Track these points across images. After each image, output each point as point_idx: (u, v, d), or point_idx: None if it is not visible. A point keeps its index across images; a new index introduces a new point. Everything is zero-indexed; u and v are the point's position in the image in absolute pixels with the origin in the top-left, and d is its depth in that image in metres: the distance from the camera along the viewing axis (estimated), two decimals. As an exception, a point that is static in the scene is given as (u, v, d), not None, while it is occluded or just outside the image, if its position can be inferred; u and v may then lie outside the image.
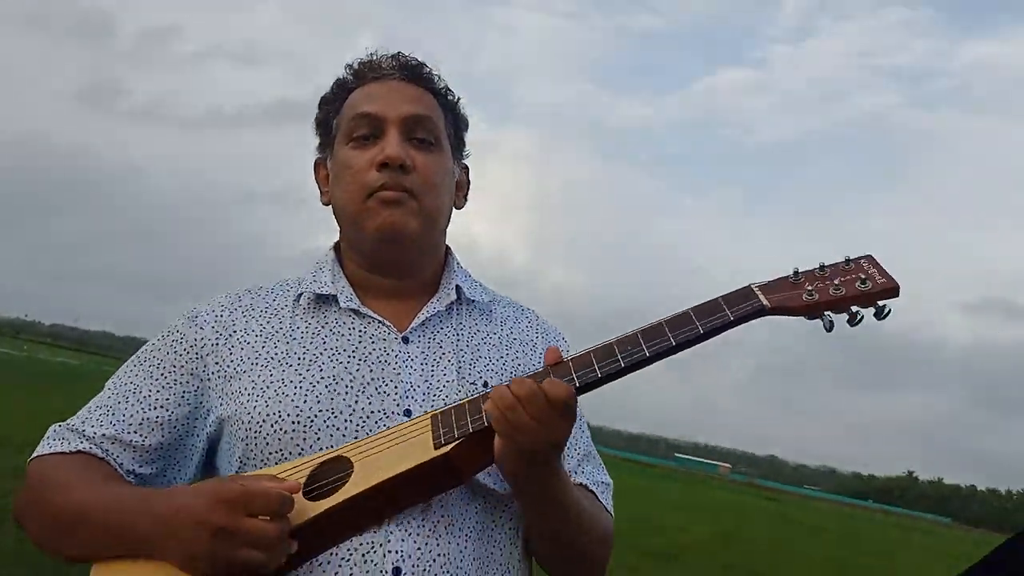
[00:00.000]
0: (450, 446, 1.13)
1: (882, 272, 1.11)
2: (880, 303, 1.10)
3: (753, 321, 1.13)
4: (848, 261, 1.14)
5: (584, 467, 1.38)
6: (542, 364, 1.27)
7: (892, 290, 1.10)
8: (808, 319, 1.12)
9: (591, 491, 1.36)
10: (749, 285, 1.14)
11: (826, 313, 1.11)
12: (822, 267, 1.14)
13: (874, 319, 1.10)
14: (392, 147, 1.28)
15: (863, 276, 1.11)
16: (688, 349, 1.13)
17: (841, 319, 1.11)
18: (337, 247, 1.42)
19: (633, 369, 1.13)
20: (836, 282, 1.11)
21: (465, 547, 1.20)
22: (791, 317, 1.12)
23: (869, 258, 1.14)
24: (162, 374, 1.28)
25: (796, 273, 1.14)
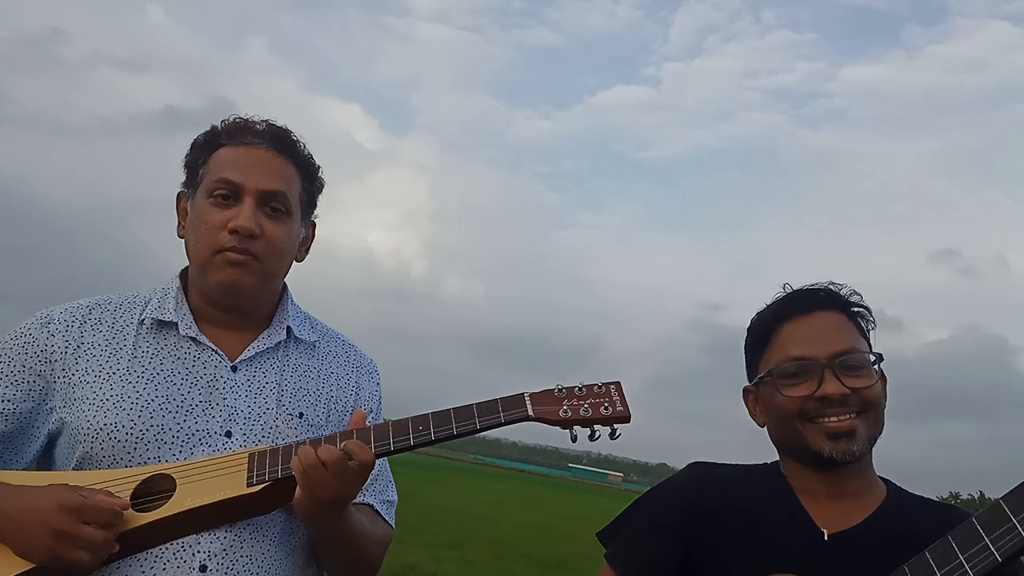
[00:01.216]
0: (260, 487, 1.37)
1: (623, 401, 1.38)
2: (615, 427, 1.38)
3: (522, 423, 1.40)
4: (600, 386, 1.39)
5: (374, 487, 1.60)
6: (352, 397, 1.60)
7: (625, 419, 1.37)
8: (562, 429, 1.37)
9: (376, 510, 1.58)
10: (522, 393, 1.39)
11: (575, 427, 1.37)
12: (580, 387, 1.39)
13: (608, 438, 1.37)
14: (244, 218, 1.47)
15: (607, 402, 1.37)
16: (465, 437, 1.38)
17: (584, 432, 1.37)
18: (183, 273, 1.59)
19: (420, 447, 1.37)
20: (586, 404, 1.37)
21: (269, 549, 1.44)
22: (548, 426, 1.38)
23: (617, 385, 1.40)
24: (11, 371, 1.45)
25: (560, 388, 1.39)
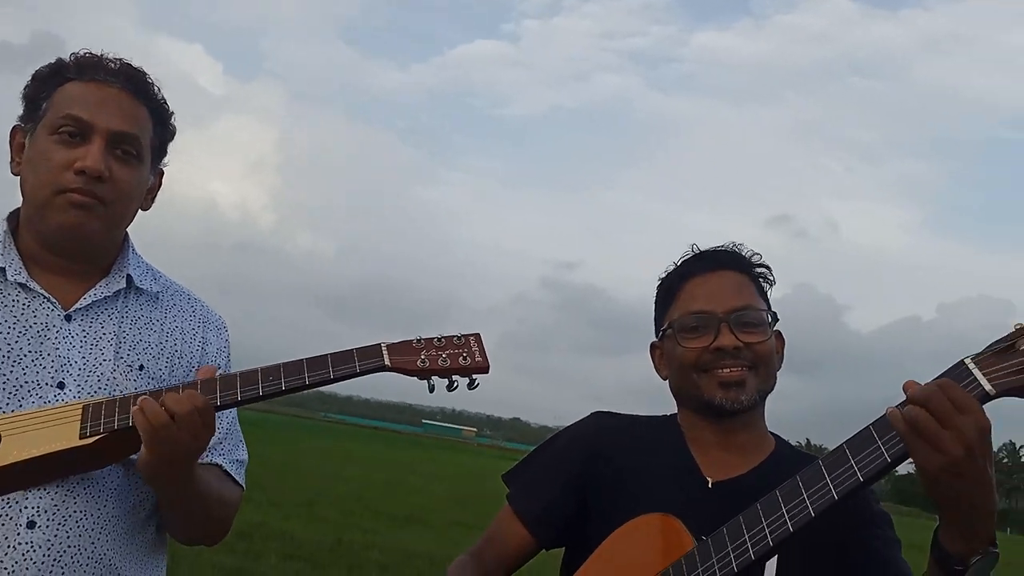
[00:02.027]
0: (94, 438, 1.29)
1: (482, 352, 1.40)
2: (473, 376, 1.40)
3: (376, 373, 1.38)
4: (459, 337, 1.40)
5: (222, 446, 1.55)
6: (199, 352, 1.54)
7: (484, 369, 1.39)
8: (419, 379, 1.38)
9: (225, 470, 1.54)
10: (379, 344, 1.37)
11: (433, 378, 1.38)
12: (439, 339, 1.39)
13: (467, 388, 1.40)
14: (93, 159, 1.38)
15: (466, 352, 1.39)
16: (319, 387, 1.37)
17: (443, 383, 1.39)
18: (13, 216, 1.48)
19: (269, 398, 1.34)
20: (445, 355, 1.38)
21: (104, 506, 1.37)
22: (406, 376, 1.38)
23: (477, 337, 1.41)
24: None
25: (419, 339, 1.39)
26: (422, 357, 1.37)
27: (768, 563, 1.36)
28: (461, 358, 1.38)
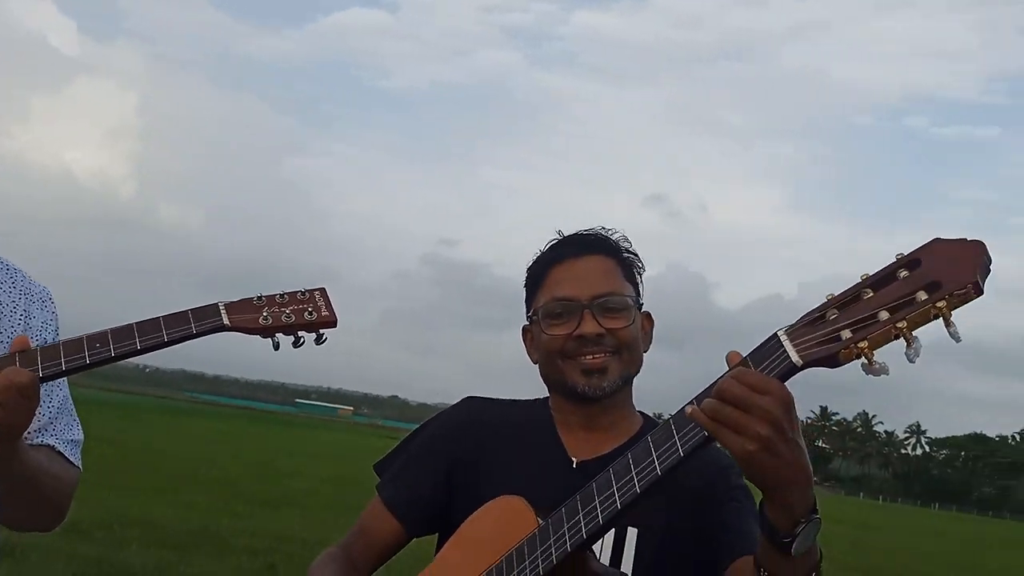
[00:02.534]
0: None
1: (328, 306, 1.36)
2: (321, 331, 1.35)
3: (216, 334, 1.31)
4: (304, 292, 1.37)
5: (55, 426, 1.47)
6: (21, 326, 1.44)
7: (331, 323, 1.35)
8: (263, 338, 1.32)
9: (58, 451, 1.46)
10: (217, 303, 1.31)
11: (277, 335, 1.33)
12: (282, 294, 1.35)
13: (314, 344, 1.36)
14: None
15: (311, 307, 1.35)
16: (154, 351, 1.29)
17: (288, 340, 1.35)
18: None
19: (99, 365, 1.26)
20: (288, 310, 1.34)
21: None
22: (250, 335, 1.32)
23: (322, 291, 1.37)
24: None
25: (260, 296, 1.34)
26: (264, 314, 1.32)
27: (628, 540, 1.40)
28: (306, 313, 1.34)
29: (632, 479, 1.14)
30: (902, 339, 0.98)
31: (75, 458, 1.50)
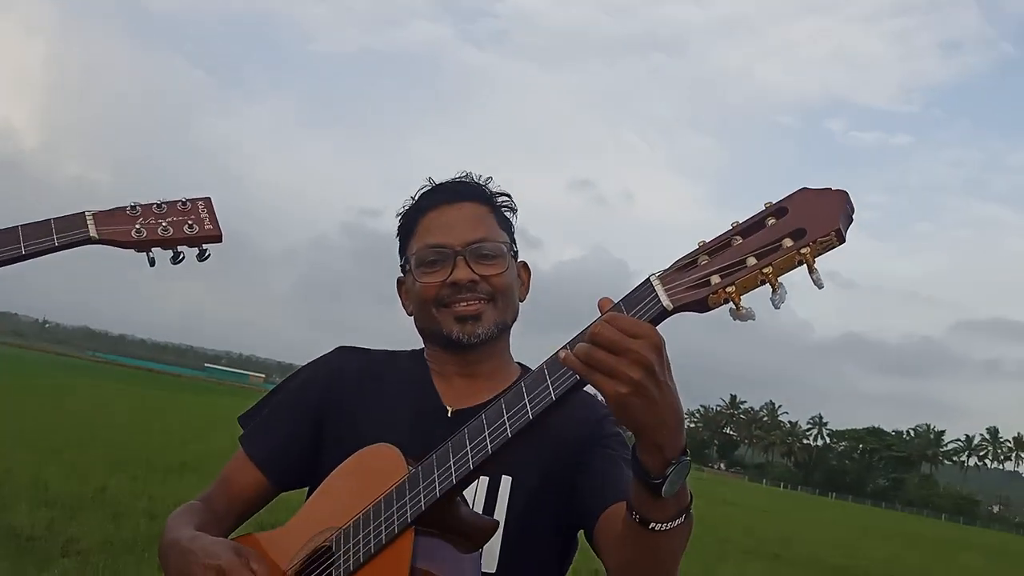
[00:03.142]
0: None
1: (212, 219, 1.26)
2: (204, 246, 1.26)
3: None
4: (185, 202, 1.26)
5: None
6: None
7: (215, 237, 1.25)
8: (137, 252, 1.22)
9: None
10: (84, 212, 1.19)
11: (154, 249, 1.23)
12: (160, 204, 1.25)
13: (196, 260, 1.26)
14: None
15: (193, 219, 1.25)
16: (10, 264, 1.18)
17: (166, 255, 1.25)
18: None
19: None
20: (166, 222, 1.24)
21: None
22: (121, 249, 1.21)
23: (207, 201, 1.27)
24: None
25: (134, 206, 1.23)
26: (138, 226, 1.23)
27: (501, 488, 1.40)
28: (186, 226, 1.25)
29: (504, 424, 1.13)
30: (768, 285, 1.00)
31: None
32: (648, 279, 1.06)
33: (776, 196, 1.03)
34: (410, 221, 1.53)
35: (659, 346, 1.02)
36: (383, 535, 1.21)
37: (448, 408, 1.47)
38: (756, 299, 1.01)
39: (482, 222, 1.49)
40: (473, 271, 1.44)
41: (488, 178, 1.55)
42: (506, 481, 1.40)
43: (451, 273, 1.43)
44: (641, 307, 1.05)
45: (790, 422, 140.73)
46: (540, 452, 1.40)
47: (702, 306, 1.03)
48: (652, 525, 1.10)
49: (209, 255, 1.27)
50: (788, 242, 0.98)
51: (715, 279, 1.01)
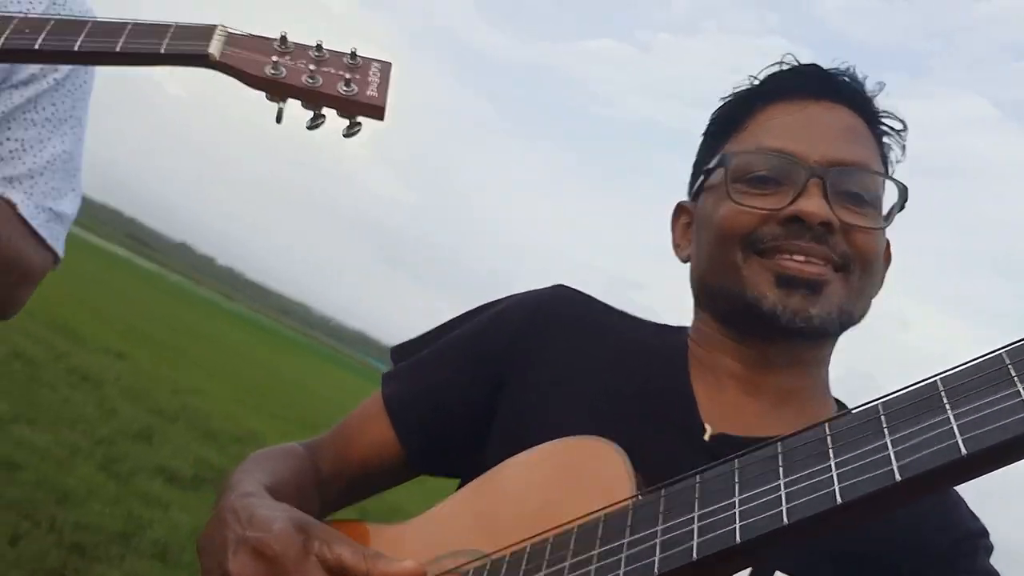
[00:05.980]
0: None
1: (383, 87, 0.91)
2: (358, 119, 0.92)
3: (199, 68, 0.90)
4: (355, 56, 0.92)
5: (33, 181, 1.18)
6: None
7: (376, 110, 0.91)
8: (268, 98, 0.91)
9: (18, 212, 1.16)
10: (219, 25, 0.91)
11: (288, 100, 0.91)
12: (319, 47, 0.92)
13: (342, 134, 0.92)
14: None
15: (358, 81, 0.91)
16: (102, 65, 0.97)
17: (302, 116, 0.92)
18: None
19: (17, 60, 1.00)
20: (319, 72, 0.91)
21: None
22: (250, 88, 0.91)
23: (385, 66, 0.94)
24: None
25: (284, 40, 0.92)
26: (275, 60, 0.89)
27: None
28: (343, 84, 0.89)
29: (815, 484, 0.63)
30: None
31: (51, 236, 1.18)
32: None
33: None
34: (739, 109, 0.98)
35: None
36: None
37: (706, 427, 0.92)
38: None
39: (859, 139, 0.94)
40: (831, 209, 0.87)
41: (880, 84, 0.98)
42: None
43: (794, 200, 0.87)
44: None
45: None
46: (845, 557, 0.84)
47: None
48: None
49: (358, 131, 0.90)
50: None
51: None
